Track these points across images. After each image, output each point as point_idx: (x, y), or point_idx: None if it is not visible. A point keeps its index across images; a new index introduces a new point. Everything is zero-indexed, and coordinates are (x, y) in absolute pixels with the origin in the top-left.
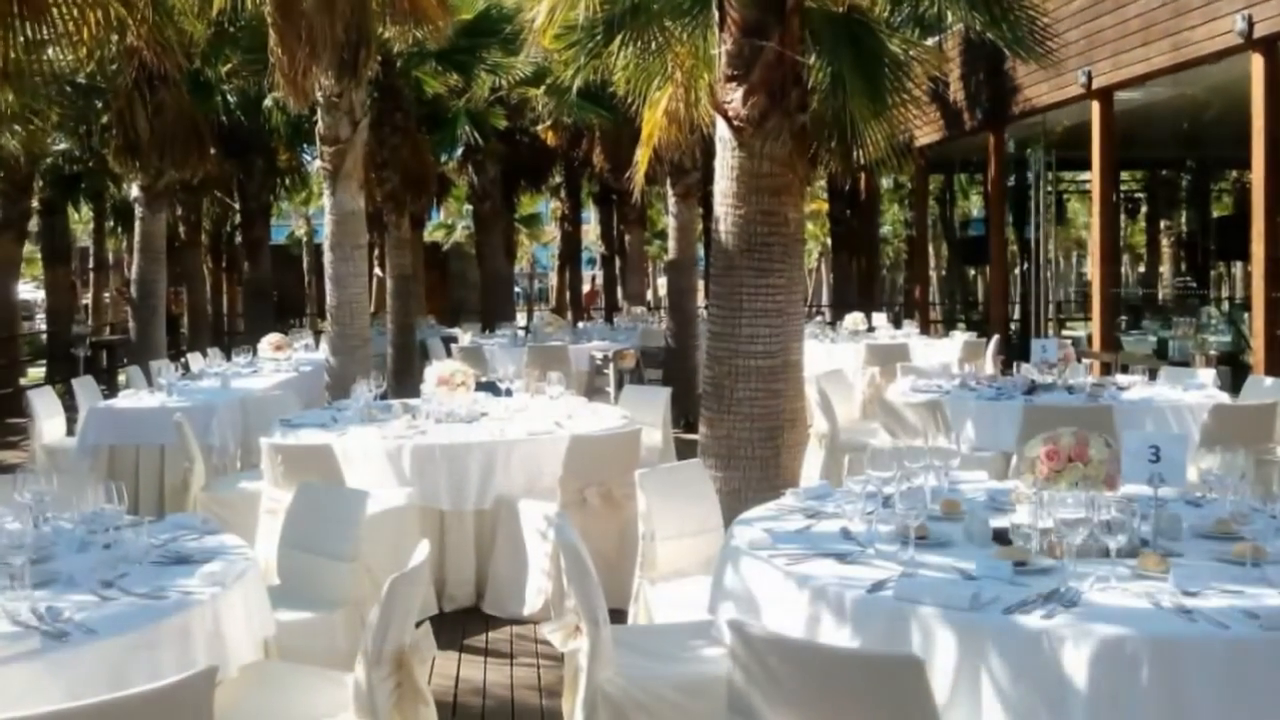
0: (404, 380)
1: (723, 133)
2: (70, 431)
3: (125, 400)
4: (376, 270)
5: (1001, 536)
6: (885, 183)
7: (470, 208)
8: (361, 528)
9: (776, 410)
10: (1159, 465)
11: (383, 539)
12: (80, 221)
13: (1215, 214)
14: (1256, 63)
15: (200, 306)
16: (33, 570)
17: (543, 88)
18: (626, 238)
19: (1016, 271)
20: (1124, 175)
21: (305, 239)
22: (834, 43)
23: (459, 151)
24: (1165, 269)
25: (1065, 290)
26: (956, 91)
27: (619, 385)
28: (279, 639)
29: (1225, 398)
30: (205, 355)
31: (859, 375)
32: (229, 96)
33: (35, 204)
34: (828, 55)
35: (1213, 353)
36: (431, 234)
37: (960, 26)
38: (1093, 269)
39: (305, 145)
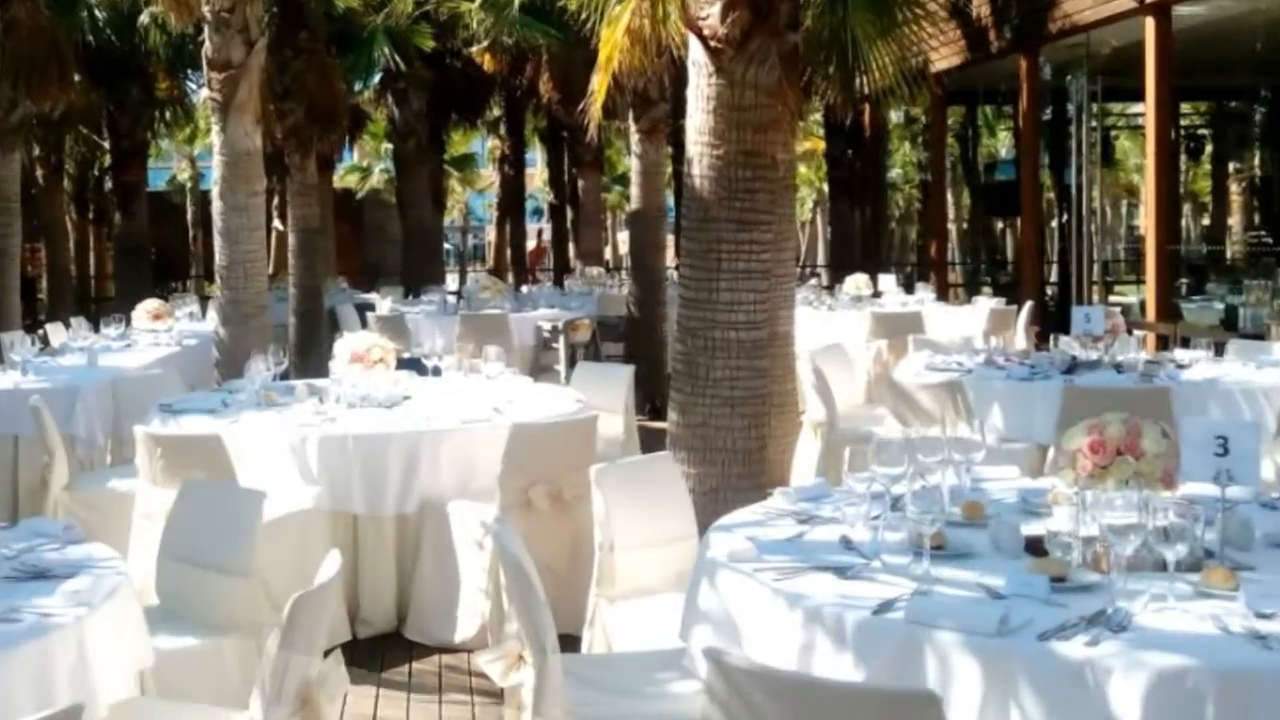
0: (309, 356)
1: (697, 56)
2: None
3: None
4: (276, 223)
5: (1035, 546)
6: (894, 117)
7: (390, 147)
8: (258, 536)
9: (762, 393)
10: (1226, 459)
11: (283, 550)
12: None
13: None
14: None
15: (62, 266)
16: None
17: (478, 1)
18: (580, 183)
19: (1054, 224)
20: (1184, 108)
21: (190, 185)
22: None
23: (376, 78)
24: (1235, 221)
25: (1113, 247)
26: (981, 5)
27: (571, 362)
28: (158, 670)
29: None
30: (68, 326)
31: (862, 350)
32: (97, 11)
33: None
34: None
35: None
36: (343, 179)
37: None
38: (1146, 221)
39: (190, 71)
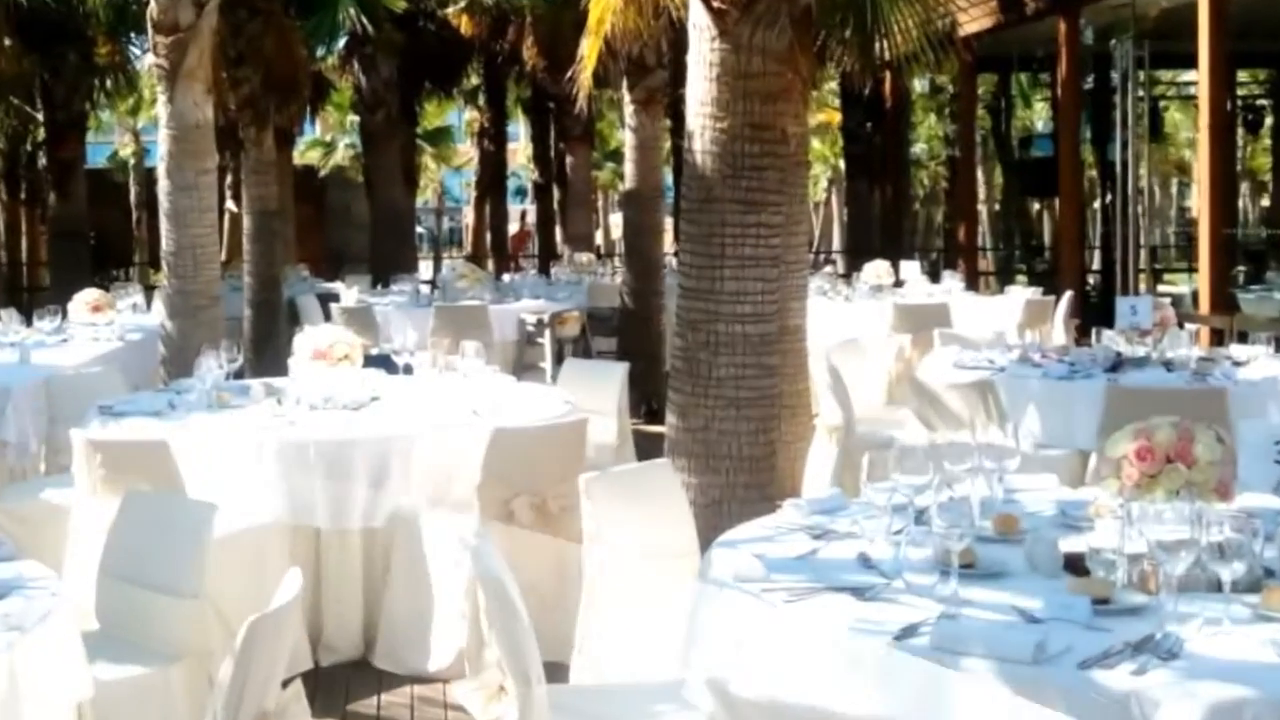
0: (266, 352)
1: (698, 17)
2: None
3: None
4: (230, 204)
5: (1075, 565)
6: (918, 85)
7: (356, 119)
8: (208, 553)
9: (771, 393)
10: None
11: (237, 568)
12: None
13: None
14: None
15: None
16: None
17: None
18: (568, 160)
19: (1096, 205)
20: (1241, 76)
21: (133, 161)
22: None
23: (341, 43)
24: None
25: (1162, 231)
26: None
27: (558, 359)
28: (97, 703)
29: None
30: None
31: (882, 346)
32: None
33: None
34: None
35: None
36: (304, 155)
37: None
38: (1199, 202)
39: (133, 34)
